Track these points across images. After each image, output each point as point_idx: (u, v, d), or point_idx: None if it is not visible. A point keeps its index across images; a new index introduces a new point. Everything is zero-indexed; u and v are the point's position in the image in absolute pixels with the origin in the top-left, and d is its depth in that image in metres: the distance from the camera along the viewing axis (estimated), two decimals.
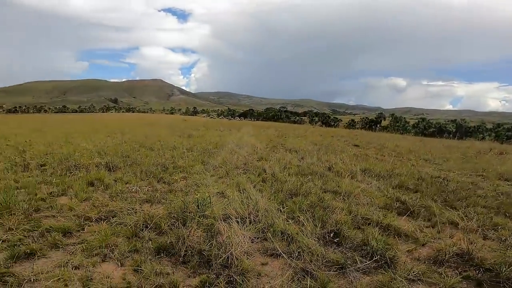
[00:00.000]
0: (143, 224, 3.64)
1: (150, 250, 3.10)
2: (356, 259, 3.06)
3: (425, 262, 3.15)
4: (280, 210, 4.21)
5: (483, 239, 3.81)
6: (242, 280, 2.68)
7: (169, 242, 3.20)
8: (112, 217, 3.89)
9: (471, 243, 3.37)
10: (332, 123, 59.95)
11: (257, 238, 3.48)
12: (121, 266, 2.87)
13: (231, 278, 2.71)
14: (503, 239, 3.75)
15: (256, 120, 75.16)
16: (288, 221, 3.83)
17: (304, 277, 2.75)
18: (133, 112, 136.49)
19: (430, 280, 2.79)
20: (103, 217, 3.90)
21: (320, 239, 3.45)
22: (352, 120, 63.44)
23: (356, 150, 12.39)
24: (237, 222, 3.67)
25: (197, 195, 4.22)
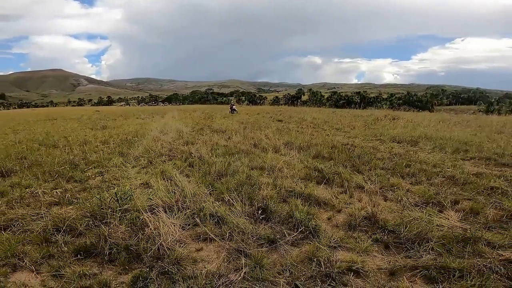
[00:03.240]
0: (54, 228, 3.27)
1: (69, 253, 2.87)
2: (284, 233, 3.21)
3: (342, 228, 3.42)
4: (209, 193, 4.19)
5: (384, 200, 4.22)
6: (178, 269, 2.63)
7: (90, 243, 3.00)
8: (14, 226, 3.38)
9: (375, 206, 3.70)
10: (258, 101, 61.78)
11: (188, 225, 3.42)
12: (37, 273, 2.60)
13: (166, 269, 2.64)
14: (399, 199, 4.16)
15: (182, 104, 71.89)
16: (217, 203, 3.84)
17: (239, 256, 2.82)
18: (28, 107, 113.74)
19: (348, 245, 3.03)
20: (2, 227, 3.37)
21: (250, 217, 3.53)
22: (276, 97, 66.49)
23: (280, 125, 13.13)
24: (165, 211, 3.54)
25: (115, 189, 3.87)
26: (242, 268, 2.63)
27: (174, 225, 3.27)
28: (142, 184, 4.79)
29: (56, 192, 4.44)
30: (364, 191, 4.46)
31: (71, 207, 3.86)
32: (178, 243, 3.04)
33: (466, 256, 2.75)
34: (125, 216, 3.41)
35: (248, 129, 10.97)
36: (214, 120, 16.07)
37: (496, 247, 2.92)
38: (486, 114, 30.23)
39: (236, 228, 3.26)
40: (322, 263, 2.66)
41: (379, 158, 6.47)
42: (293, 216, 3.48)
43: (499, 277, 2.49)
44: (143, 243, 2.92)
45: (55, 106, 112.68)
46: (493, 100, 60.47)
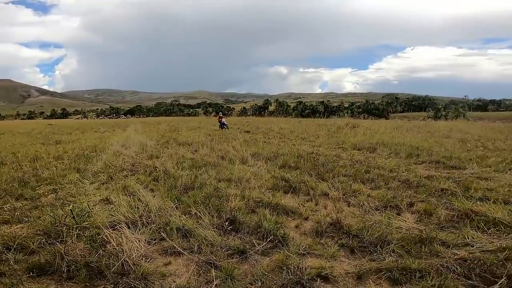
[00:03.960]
0: (4, 247, 3.07)
1: (21, 271, 2.74)
2: (254, 243, 3.20)
3: (310, 235, 3.46)
4: (176, 207, 4.08)
5: (348, 206, 4.36)
6: (145, 285, 2.54)
7: (44, 261, 2.85)
8: None
9: (339, 212, 3.83)
10: (226, 112, 61.84)
11: (154, 240, 3.32)
12: None
13: (131, 285, 2.53)
14: (361, 204, 4.32)
15: (146, 116, 69.41)
16: (184, 216, 3.75)
17: (209, 269, 2.77)
18: None
19: (316, 252, 3.07)
20: None
21: (218, 229, 3.50)
22: (244, 108, 67.10)
23: (247, 136, 13.22)
24: (128, 227, 3.40)
25: (70, 206, 3.61)
26: (213, 281, 2.59)
27: (139, 241, 3.17)
28: (102, 200, 4.54)
29: (4, 210, 4.06)
30: (329, 198, 4.61)
31: (21, 225, 3.65)
32: (144, 258, 2.94)
33: (424, 256, 2.87)
34: (83, 233, 3.25)
35: (215, 141, 10.89)
36: (180, 133, 15.72)
37: (450, 246, 3.08)
38: (434, 120, 33.25)
39: (204, 241, 3.21)
40: (293, 271, 2.68)
41: (341, 166, 6.76)
42: (261, 226, 3.48)
43: (456, 276, 2.59)
44: (105, 260, 2.80)
45: (3, 119, 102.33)
46: (440, 106, 66.87)
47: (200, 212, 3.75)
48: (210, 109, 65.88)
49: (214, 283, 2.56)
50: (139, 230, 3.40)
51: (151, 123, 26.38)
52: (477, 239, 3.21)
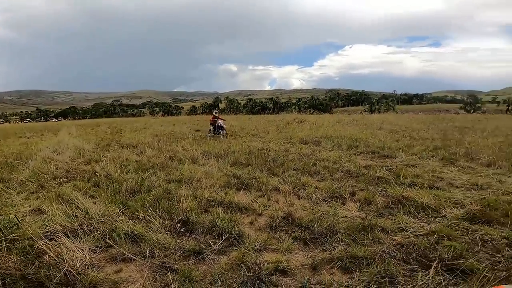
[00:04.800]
0: None
1: None
2: (209, 242, 3.17)
3: (265, 231, 3.50)
4: (122, 213, 3.83)
5: (298, 199, 4.49)
6: None
7: None
8: None
9: (290, 206, 3.93)
10: (175, 112, 59.50)
11: (99, 248, 3.10)
12: None
13: None
14: (310, 196, 4.48)
15: (82, 119, 63.01)
16: (132, 221, 3.56)
17: (165, 273, 2.69)
18: None
19: (272, 246, 3.11)
20: None
21: (171, 231, 3.40)
22: (193, 106, 65.40)
23: (197, 135, 12.90)
24: (67, 236, 3.16)
25: None
26: (170, 284, 2.53)
27: (82, 249, 2.99)
28: (32, 210, 4.11)
29: None
30: (280, 192, 4.73)
31: None
32: (90, 267, 2.79)
33: (368, 244, 3.05)
34: (13, 245, 2.94)
35: (163, 142, 10.39)
36: (123, 135, 14.61)
37: (388, 232, 3.30)
38: (370, 113, 36.72)
39: (157, 245, 3.09)
40: (251, 267, 2.70)
41: (290, 160, 7.04)
42: (216, 225, 3.46)
43: (397, 261, 2.74)
44: (44, 271, 2.61)
45: None
46: (374, 101, 73.89)
47: (149, 216, 3.59)
48: (157, 109, 62.55)
49: (172, 287, 2.49)
50: (81, 238, 3.20)
51: (88, 126, 24.01)
52: (410, 224, 3.50)
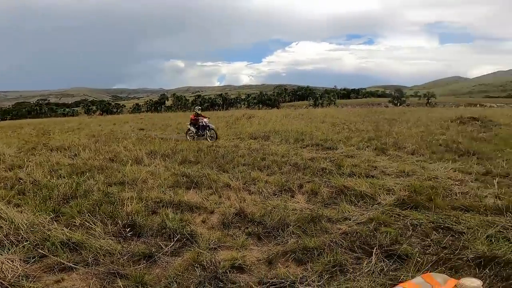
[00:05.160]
0: None
1: None
2: (160, 245, 3.05)
3: (218, 229, 3.46)
4: (55, 220, 3.49)
5: (249, 194, 4.51)
6: None
7: None
8: None
9: (241, 201, 3.91)
10: (115, 110, 54.91)
11: (32, 258, 2.81)
12: None
13: None
14: (260, 191, 4.51)
15: (2, 120, 54.29)
16: (67, 229, 3.25)
17: (114, 279, 2.53)
18: None
19: (227, 244, 3.08)
20: None
21: (116, 236, 3.20)
22: (137, 104, 61.47)
23: (142, 134, 12.14)
24: None
25: None
26: None
27: (12, 261, 2.75)
28: None
29: None
30: (231, 188, 4.70)
31: None
32: (25, 278, 2.57)
33: (317, 234, 3.13)
34: None
35: (102, 142, 9.51)
36: (52, 136, 12.96)
37: (334, 221, 3.45)
38: (314, 108, 38.93)
39: (101, 251, 2.87)
40: (207, 267, 2.65)
41: (240, 155, 7.07)
42: (166, 227, 3.33)
43: (344, 250, 2.84)
44: None
45: None
46: (318, 96, 78.46)
47: (88, 222, 3.32)
48: (94, 108, 56.98)
49: None
50: (9, 250, 2.93)
51: (9, 128, 20.76)
52: (352, 212, 3.69)
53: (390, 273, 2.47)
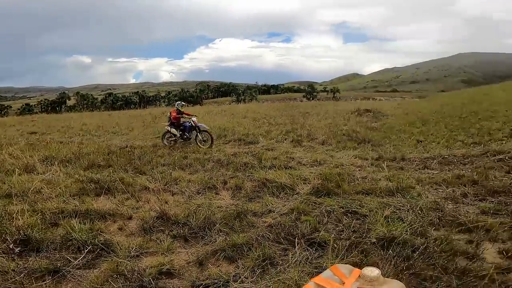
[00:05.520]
0: None
1: None
2: (67, 258, 2.72)
3: (139, 235, 3.23)
4: None
5: (172, 195, 4.33)
6: None
7: None
8: None
9: (162, 204, 3.71)
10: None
11: None
12: None
13: None
14: (183, 191, 4.39)
15: None
16: None
17: None
18: None
19: (151, 249, 2.90)
20: None
21: (6, 253, 2.78)
22: (27, 104, 51.52)
23: (33, 138, 10.15)
24: None
25: None
26: None
27: None
28: None
29: None
30: (150, 191, 4.41)
31: None
32: None
33: (245, 229, 3.12)
34: None
35: None
36: None
37: (259, 215, 3.49)
38: (237, 104, 39.64)
39: None
40: (130, 276, 2.41)
41: (159, 156, 6.65)
42: (72, 238, 2.98)
43: (271, 243, 2.86)
44: None
45: None
46: (240, 92, 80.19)
47: None
48: None
49: None
50: None
51: None
52: (275, 204, 3.78)
53: (314, 261, 2.57)
